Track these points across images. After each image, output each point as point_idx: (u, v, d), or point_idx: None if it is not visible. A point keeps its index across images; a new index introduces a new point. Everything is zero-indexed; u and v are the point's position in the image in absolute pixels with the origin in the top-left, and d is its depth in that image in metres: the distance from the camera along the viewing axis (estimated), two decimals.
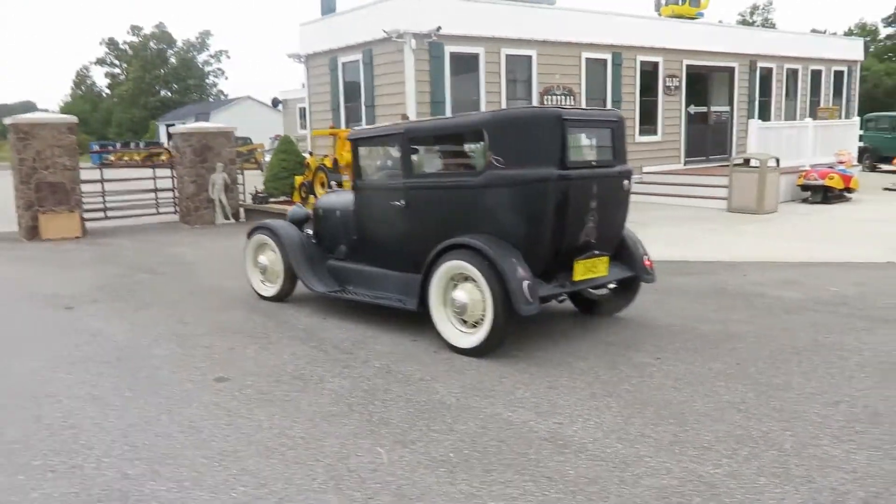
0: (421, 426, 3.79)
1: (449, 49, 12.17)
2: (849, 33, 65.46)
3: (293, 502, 3.04)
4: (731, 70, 16.92)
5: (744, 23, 69.90)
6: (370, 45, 12.61)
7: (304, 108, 16.95)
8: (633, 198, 15.67)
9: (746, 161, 12.86)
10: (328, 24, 14.04)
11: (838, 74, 19.55)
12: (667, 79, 15.61)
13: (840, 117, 18.54)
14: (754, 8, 71.66)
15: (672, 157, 15.90)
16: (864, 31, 66.74)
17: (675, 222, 11.71)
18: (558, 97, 13.67)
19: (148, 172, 14.20)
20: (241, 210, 13.88)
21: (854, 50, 20.01)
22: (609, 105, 14.63)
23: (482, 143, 4.94)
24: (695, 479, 3.14)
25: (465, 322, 4.97)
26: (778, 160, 12.90)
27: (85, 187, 12.46)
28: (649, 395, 4.18)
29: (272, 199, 13.61)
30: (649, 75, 15.44)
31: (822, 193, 13.63)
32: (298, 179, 12.90)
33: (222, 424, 3.88)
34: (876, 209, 12.78)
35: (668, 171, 15.37)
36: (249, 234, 6.87)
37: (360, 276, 5.98)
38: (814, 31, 64.90)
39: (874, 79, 54.01)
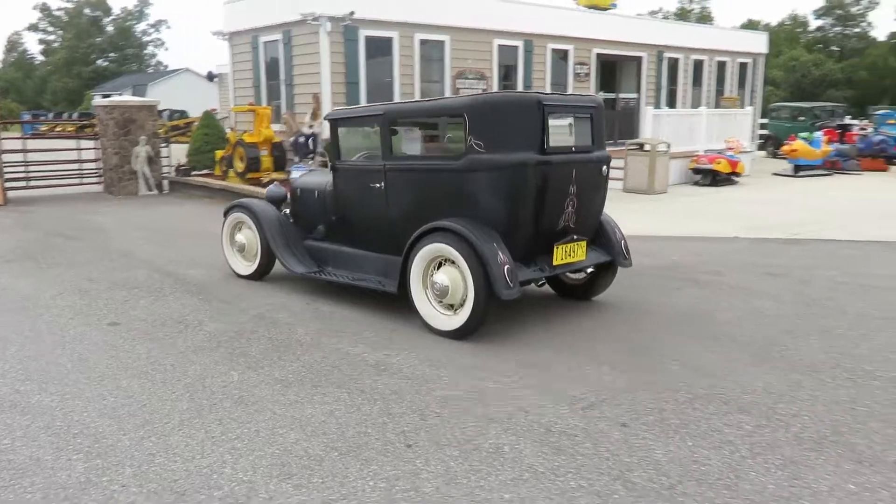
0: (273, 357, 4.61)
1: (364, 33, 12.84)
2: (781, 24, 68.22)
3: (153, 406, 3.83)
4: (639, 59, 18.00)
5: (682, 11, 72.16)
6: (289, 26, 13.18)
7: None
8: None
9: (641, 145, 13.94)
10: (250, 4, 14.52)
11: (743, 66, 20.86)
12: (577, 66, 16.58)
13: (742, 106, 19.84)
14: None
15: None
16: (796, 23, 69.67)
17: None
18: (470, 81, 14.49)
19: (73, 143, 14.54)
20: (166, 182, 14.36)
21: (758, 43, 21.35)
22: (520, 89, 15.52)
23: (463, 127, 4.88)
24: (475, 391, 4.04)
25: (445, 304, 4.99)
26: (669, 145, 14.01)
27: (8, 157, 12.81)
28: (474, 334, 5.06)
29: (195, 172, 14.13)
30: (560, 62, 16.37)
31: (711, 177, 14.85)
32: (219, 153, 13.45)
33: (106, 357, 4.62)
34: (755, 192, 14.03)
35: None
36: (226, 213, 6.82)
37: (339, 256, 5.99)
38: (750, 20, 67.51)
39: (802, 69, 56.63)
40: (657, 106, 17.59)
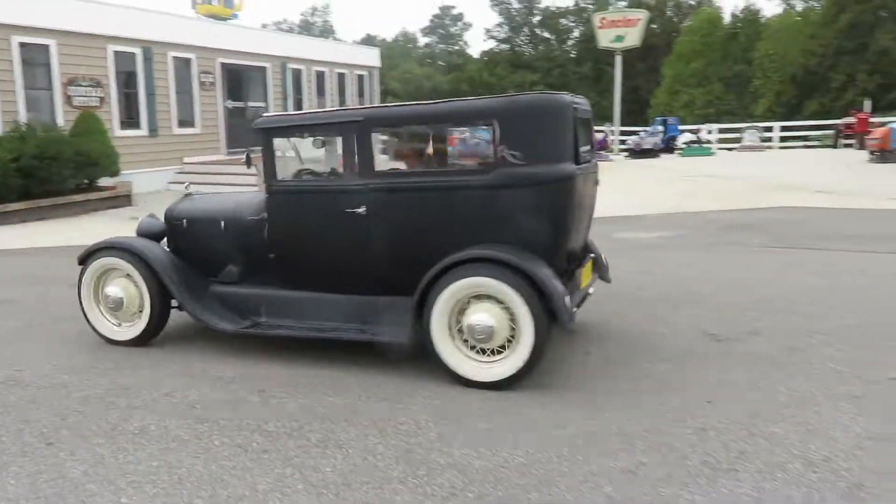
0: None
1: None
2: (396, 40, 74.98)
3: None
4: (264, 69, 18.63)
5: (306, 23, 75.10)
6: None
7: None
8: (174, 186, 16.02)
9: None
10: None
11: (361, 77, 22.80)
12: (202, 75, 16.58)
13: None
14: (314, 9, 77.21)
15: (213, 147, 17.00)
16: (408, 40, 77.17)
17: None
18: (85, 88, 13.66)
19: None
20: None
21: (371, 58, 23.53)
22: (143, 98, 15.06)
23: (489, 134, 4.14)
24: (117, 387, 4.19)
25: (475, 349, 4.10)
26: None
27: None
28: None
29: None
30: (184, 70, 16.23)
31: None
32: None
33: None
34: None
35: (210, 160, 16.42)
36: (85, 259, 5.07)
37: (277, 303, 4.75)
38: (369, 35, 72.97)
39: (417, 81, 62.92)
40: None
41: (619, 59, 23.99)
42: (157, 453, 3.31)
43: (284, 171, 4.73)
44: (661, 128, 25.42)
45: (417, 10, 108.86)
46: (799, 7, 46.11)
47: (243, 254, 4.93)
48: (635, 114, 40.37)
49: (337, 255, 4.52)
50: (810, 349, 4.53)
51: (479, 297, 4.03)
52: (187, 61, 16.23)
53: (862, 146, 21.05)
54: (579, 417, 3.59)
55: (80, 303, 5.09)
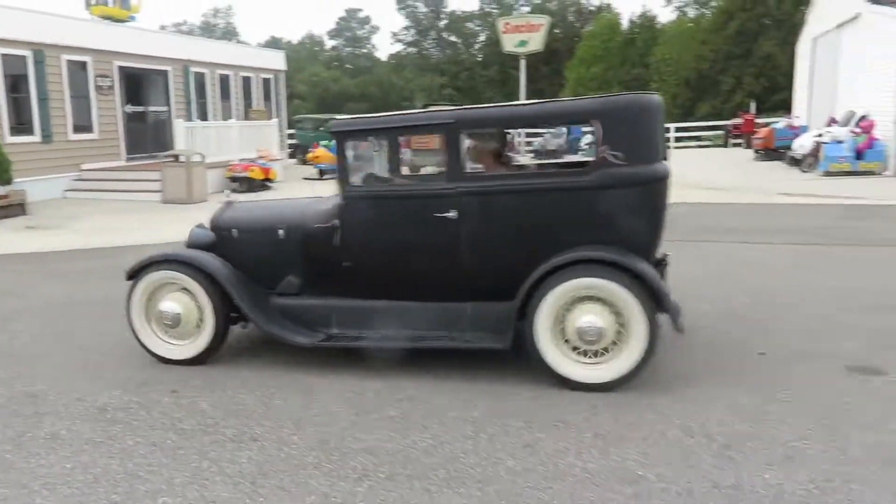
0: None
1: None
2: (302, 43, 74.04)
3: None
4: (165, 73, 18.16)
5: (207, 25, 73.16)
6: None
7: None
8: (71, 194, 15.41)
9: (176, 157, 14.26)
10: None
11: (266, 81, 22.53)
12: (98, 78, 16.04)
13: (269, 118, 21.45)
14: (216, 11, 75.36)
15: (112, 153, 16.43)
16: (314, 43, 76.35)
17: (106, 214, 12.45)
18: None
19: None
20: None
21: (277, 61, 23.29)
22: (35, 103, 14.45)
23: (590, 134, 4.08)
24: (21, 396, 4.14)
25: (577, 351, 4.01)
26: (204, 156, 14.61)
27: None
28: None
29: None
30: (80, 74, 15.65)
31: (248, 183, 15.90)
32: None
33: None
34: (287, 194, 15.47)
35: (109, 167, 15.89)
36: (136, 273, 4.66)
37: (353, 314, 4.49)
38: (274, 37, 71.78)
39: (324, 84, 62.41)
40: (189, 118, 18.00)
41: (523, 63, 24.64)
42: (70, 456, 3.33)
43: (357, 176, 4.54)
44: (565, 130, 26.23)
45: (323, 12, 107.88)
46: (691, 14, 48.56)
47: (308, 263, 4.66)
48: None
49: (422, 262, 4.33)
50: (693, 331, 4.93)
51: (580, 299, 3.95)
52: (82, 64, 15.64)
53: (749, 145, 22.42)
54: (484, 402, 3.83)
55: (130, 321, 4.70)
